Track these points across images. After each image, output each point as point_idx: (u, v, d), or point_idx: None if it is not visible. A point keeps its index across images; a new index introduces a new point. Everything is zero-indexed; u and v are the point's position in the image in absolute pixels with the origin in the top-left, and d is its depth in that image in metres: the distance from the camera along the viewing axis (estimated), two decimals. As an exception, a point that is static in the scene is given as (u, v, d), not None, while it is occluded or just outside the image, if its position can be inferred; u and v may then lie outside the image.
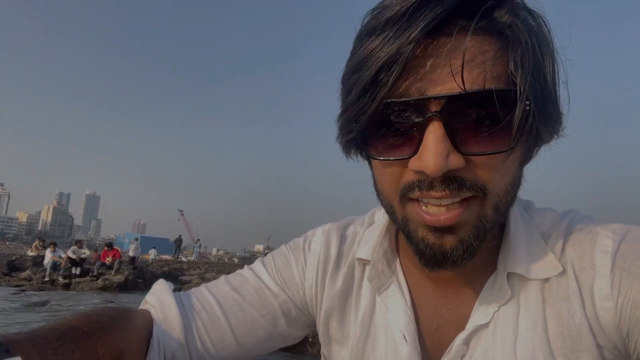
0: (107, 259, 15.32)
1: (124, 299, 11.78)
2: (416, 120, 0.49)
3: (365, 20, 0.53)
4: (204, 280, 16.83)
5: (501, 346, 0.58)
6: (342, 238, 0.76)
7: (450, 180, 0.49)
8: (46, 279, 13.75)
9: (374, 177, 0.61)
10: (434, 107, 0.48)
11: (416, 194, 0.51)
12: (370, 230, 0.73)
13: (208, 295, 0.73)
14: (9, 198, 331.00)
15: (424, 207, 0.52)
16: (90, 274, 14.64)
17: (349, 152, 0.62)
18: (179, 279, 17.62)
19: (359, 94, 0.51)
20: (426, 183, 0.50)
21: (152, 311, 0.70)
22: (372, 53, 0.49)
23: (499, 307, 0.59)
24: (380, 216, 0.73)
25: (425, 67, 0.48)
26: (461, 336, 0.60)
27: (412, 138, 0.50)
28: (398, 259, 0.70)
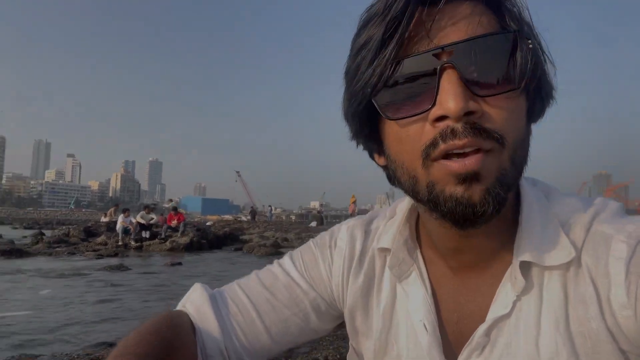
0: (173, 222, 16.23)
1: (190, 259, 12.53)
2: (430, 73, 0.51)
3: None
4: (263, 238, 17.54)
5: (524, 340, 0.57)
6: (366, 234, 0.76)
7: (471, 127, 0.50)
8: (119, 243, 14.83)
9: (389, 158, 0.59)
10: (445, 57, 0.50)
11: (440, 147, 0.51)
12: (392, 222, 0.73)
13: (242, 296, 0.76)
14: (80, 168, 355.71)
15: (448, 161, 0.52)
16: (159, 236, 15.60)
17: (360, 132, 0.61)
18: (239, 238, 18.45)
19: (371, 57, 0.53)
20: (449, 131, 0.50)
21: (192, 318, 0.72)
22: (377, 14, 0.52)
23: (516, 296, 0.58)
24: (402, 207, 0.73)
25: (431, 23, 0.51)
26: (482, 327, 0.59)
27: (429, 91, 0.51)
28: (419, 249, 0.70)
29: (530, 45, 0.52)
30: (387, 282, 0.71)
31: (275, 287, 0.76)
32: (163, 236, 15.59)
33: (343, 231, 0.78)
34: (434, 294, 0.67)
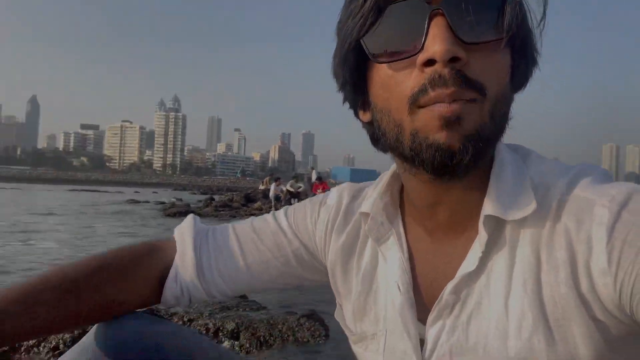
0: (318, 191, 17.26)
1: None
2: (419, 18, 0.52)
3: None
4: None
5: (494, 300, 0.57)
6: (354, 197, 0.79)
7: (458, 75, 0.51)
8: (272, 209, 16.34)
9: (375, 109, 0.60)
10: (435, 4, 0.52)
11: (430, 95, 0.52)
12: (376, 189, 0.73)
13: (232, 234, 0.82)
14: (245, 141, 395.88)
15: (434, 105, 0.53)
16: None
17: (348, 81, 0.61)
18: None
19: (362, 2, 0.54)
20: (437, 77, 0.51)
21: (177, 246, 0.81)
22: None
23: (483, 253, 0.58)
24: (386, 175, 0.74)
25: None
26: (450, 284, 0.60)
27: (418, 36, 0.52)
28: (400, 215, 0.71)
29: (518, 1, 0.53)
30: (369, 248, 0.73)
31: (263, 231, 0.82)
32: (311, 204, 16.75)
33: (334, 191, 0.82)
34: (412, 258, 0.68)
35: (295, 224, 0.82)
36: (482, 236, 0.57)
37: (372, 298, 0.71)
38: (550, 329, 0.53)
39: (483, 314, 0.58)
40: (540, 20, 0.57)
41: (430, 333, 0.62)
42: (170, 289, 0.78)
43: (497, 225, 0.58)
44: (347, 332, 0.77)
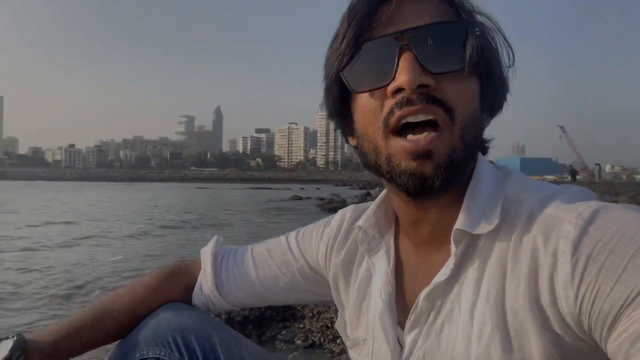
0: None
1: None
2: (390, 53, 0.59)
3: None
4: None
5: (464, 308, 0.60)
6: (356, 218, 0.85)
7: (424, 96, 0.57)
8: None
9: (357, 133, 0.67)
10: (404, 40, 0.58)
11: (396, 114, 0.58)
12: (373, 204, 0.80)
13: (249, 253, 0.95)
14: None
15: (405, 139, 0.59)
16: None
17: (334, 110, 0.69)
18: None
19: (340, 41, 0.62)
20: (404, 100, 0.58)
21: (201, 264, 0.96)
22: (352, 8, 0.62)
23: (455, 264, 0.61)
24: (383, 192, 0.79)
25: (395, 14, 0.60)
26: (424, 292, 0.64)
27: (389, 69, 0.59)
28: (393, 228, 0.76)
29: (478, 33, 0.60)
30: (365, 261, 0.78)
31: (274, 250, 0.93)
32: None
33: (338, 213, 0.90)
34: (399, 269, 0.73)
35: (302, 244, 0.91)
36: (452, 249, 0.61)
37: (365, 305, 0.76)
38: (508, 337, 0.55)
39: (454, 321, 0.61)
40: (509, 56, 0.63)
41: (408, 338, 0.65)
42: (197, 298, 0.94)
43: (471, 239, 0.61)
44: (344, 339, 0.83)
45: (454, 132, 0.58)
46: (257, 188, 40.73)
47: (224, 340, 0.85)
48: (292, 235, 0.95)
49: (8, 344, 0.75)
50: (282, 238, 0.96)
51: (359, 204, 0.89)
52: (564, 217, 0.54)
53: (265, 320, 2.48)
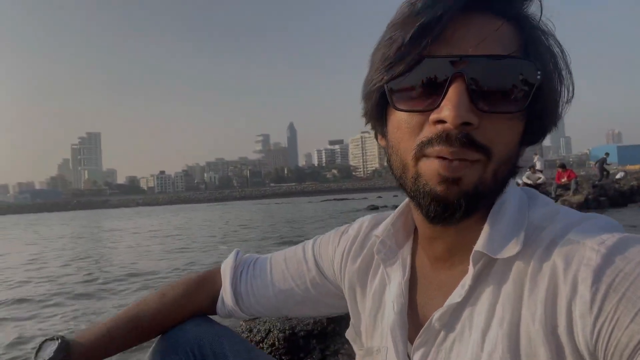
0: (562, 180, 15.26)
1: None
2: (442, 77, 0.54)
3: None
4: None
5: (475, 331, 0.59)
6: (374, 225, 0.85)
7: (464, 137, 0.54)
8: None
9: (388, 142, 0.64)
10: (459, 66, 0.54)
11: (434, 148, 0.55)
12: (393, 214, 0.79)
13: (268, 263, 0.97)
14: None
15: (435, 160, 0.56)
16: (549, 196, 14.91)
17: (370, 113, 0.65)
18: None
19: (396, 49, 0.57)
20: (443, 137, 0.54)
21: (221, 277, 0.99)
22: (416, 12, 0.55)
23: (470, 287, 0.60)
24: (404, 202, 0.78)
25: (457, 34, 0.55)
26: (438, 312, 0.63)
27: (437, 93, 0.55)
28: (411, 240, 0.75)
29: (539, 76, 0.55)
30: (381, 270, 0.78)
31: (290, 260, 0.94)
32: (553, 195, 14.91)
33: (356, 222, 0.89)
34: (413, 281, 0.72)
35: (319, 251, 0.91)
36: (470, 270, 0.60)
37: (380, 315, 0.76)
38: None
39: (464, 342, 0.60)
40: (568, 90, 0.59)
41: (417, 354, 0.65)
42: (220, 309, 0.98)
43: (488, 261, 0.60)
44: (355, 349, 0.84)
45: (488, 168, 0.56)
46: (333, 199, 41.13)
47: (237, 352, 0.91)
48: (309, 243, 0.96)
49: (53, 345, 0.82)
50: (300, 247, 0.97)
51: (379, 213, 0.89)
52: (586, 243, 0.52)
53: (329, 335, 2.52)
